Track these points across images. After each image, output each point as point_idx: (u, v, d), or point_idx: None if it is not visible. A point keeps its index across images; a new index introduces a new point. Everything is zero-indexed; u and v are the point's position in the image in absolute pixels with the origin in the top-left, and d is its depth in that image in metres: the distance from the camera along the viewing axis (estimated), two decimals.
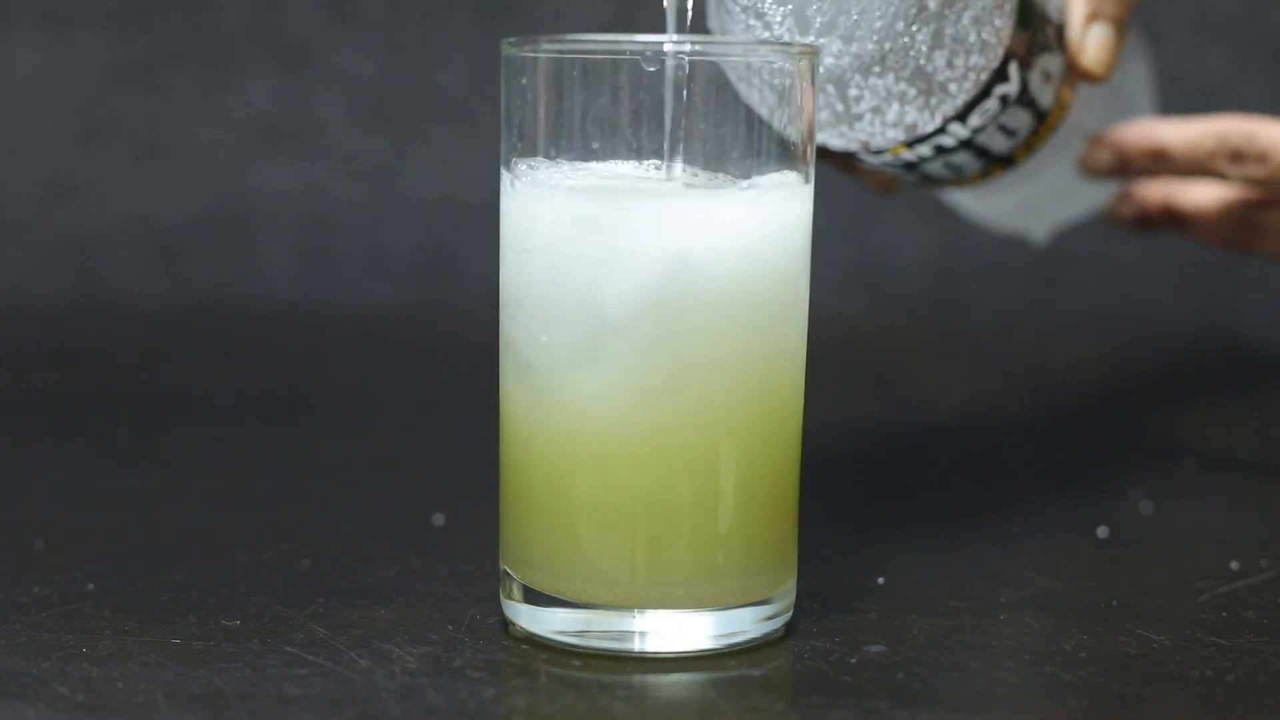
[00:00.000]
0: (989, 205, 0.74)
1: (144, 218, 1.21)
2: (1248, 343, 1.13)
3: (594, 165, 0.52)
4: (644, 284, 0.51)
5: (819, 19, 0.56)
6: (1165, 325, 1.14)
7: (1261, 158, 0.68)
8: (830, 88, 0.57)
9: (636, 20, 1.21)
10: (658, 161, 0.51)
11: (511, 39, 0.53)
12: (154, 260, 1.21)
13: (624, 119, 0.51)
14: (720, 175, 0.52)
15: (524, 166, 0.52)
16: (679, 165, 0.51)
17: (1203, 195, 0.75)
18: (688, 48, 0.51)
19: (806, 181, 0.53)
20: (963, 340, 1.12)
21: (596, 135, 0.52)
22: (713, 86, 0.51)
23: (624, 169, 0.52)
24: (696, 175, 0.52)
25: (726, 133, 0.52)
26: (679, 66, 0.50)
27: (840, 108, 0.58)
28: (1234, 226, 0.75)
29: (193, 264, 1.21)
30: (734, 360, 0.52)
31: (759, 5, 0.56)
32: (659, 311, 0.51)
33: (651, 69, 0.51)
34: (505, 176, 0.53)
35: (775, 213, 0.52)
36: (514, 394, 0.54)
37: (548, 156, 0.52)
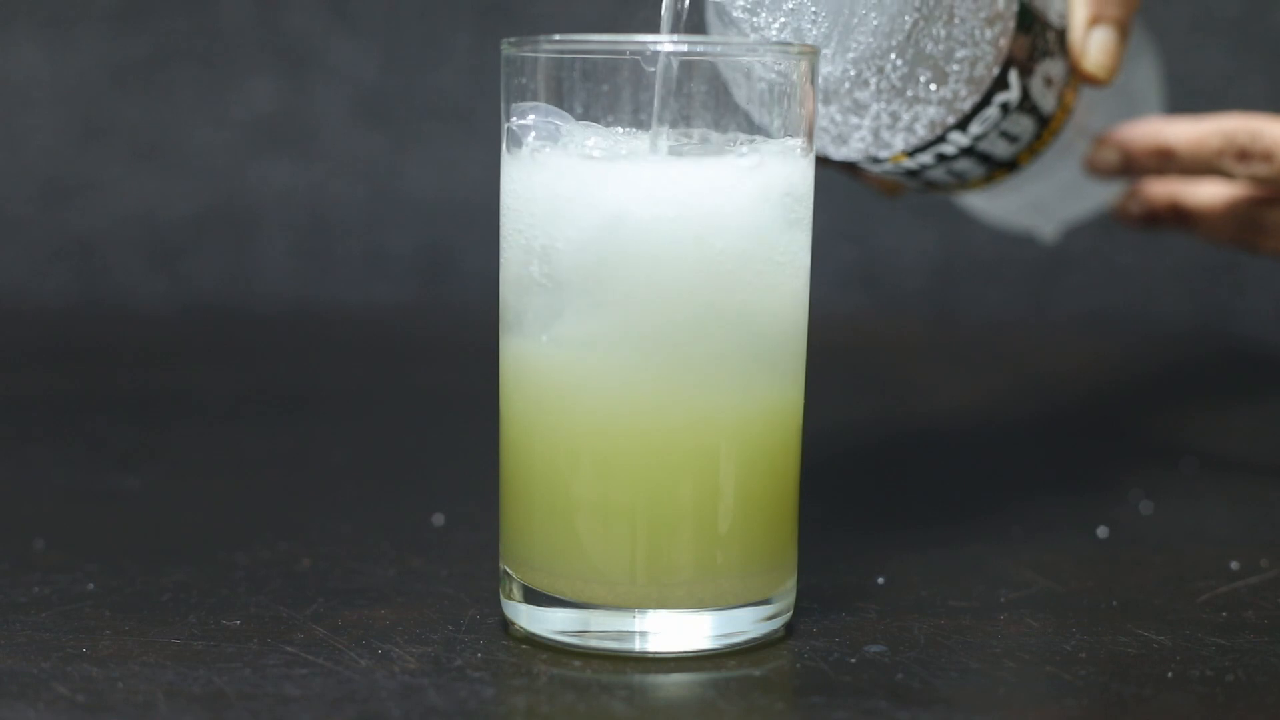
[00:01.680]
0: (996, 205, 0.75)
1: (144, 218, 1.21)
2: (1247, 343, 1.13)
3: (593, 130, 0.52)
4: (636, 260, 0.51)
5: (815, 30, 0.55)
6: (1165, 325, 1.14)
7: (1267, 156, 0.68)
8: (830, 99, 0.57)
9: (637, 20, 1.21)
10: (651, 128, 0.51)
11: (511, 39, 0.53)
12: (154, 260, 1.21)
13: (623, 119, 0.51)
14: (712, 138, 0.51)
15: (530, 117, 0.52)
16: (665, 130, 0.51)
17: (1209, 194, 0.75)
18: (686, 47, 0.51)
19: (805, 154, 0.53)
20: (962, 340, 1.12)
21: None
22: (711, 71, 0.51)
23: (617, 138, 0.52)
24: (690, 138, 0.51)
25: (724, 105, 0.51)
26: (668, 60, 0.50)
27: (839, 118, 0.58)
28: (1240, 224, 0.75)
29: (193, 264, 1.21)
30: (734, 356, 0.52)
31: (755, 19, 0.56)
32: (653, 288, 0.51)
33: (651, 69, 0.51)
34: (505, 130, 0.53)
35: (768, 182, 0.51)
36: (514, 393, 0.54)
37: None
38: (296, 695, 0.49)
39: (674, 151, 0.51)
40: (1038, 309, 1.17)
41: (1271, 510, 0.72)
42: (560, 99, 0.51)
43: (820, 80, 0.56)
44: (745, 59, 0.52)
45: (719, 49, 0.53)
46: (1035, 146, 0.63)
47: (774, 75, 0.51)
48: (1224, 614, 0.57)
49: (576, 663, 0.52)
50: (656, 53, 0.51)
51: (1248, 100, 1.18)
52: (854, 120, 0.58)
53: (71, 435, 0.82)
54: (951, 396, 0.96)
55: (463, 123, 1.21)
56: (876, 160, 0.60)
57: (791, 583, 0.55)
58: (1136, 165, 0.70)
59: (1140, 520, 0.69)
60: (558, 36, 0.51)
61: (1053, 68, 0.61)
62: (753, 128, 0.52)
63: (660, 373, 0.51)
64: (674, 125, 0.51)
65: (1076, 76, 0.63)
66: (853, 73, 0.56)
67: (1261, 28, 1.18)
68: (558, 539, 0.53)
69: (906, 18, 0.56)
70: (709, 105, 0.51)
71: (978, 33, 0.57)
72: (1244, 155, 0.68)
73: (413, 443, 0.83)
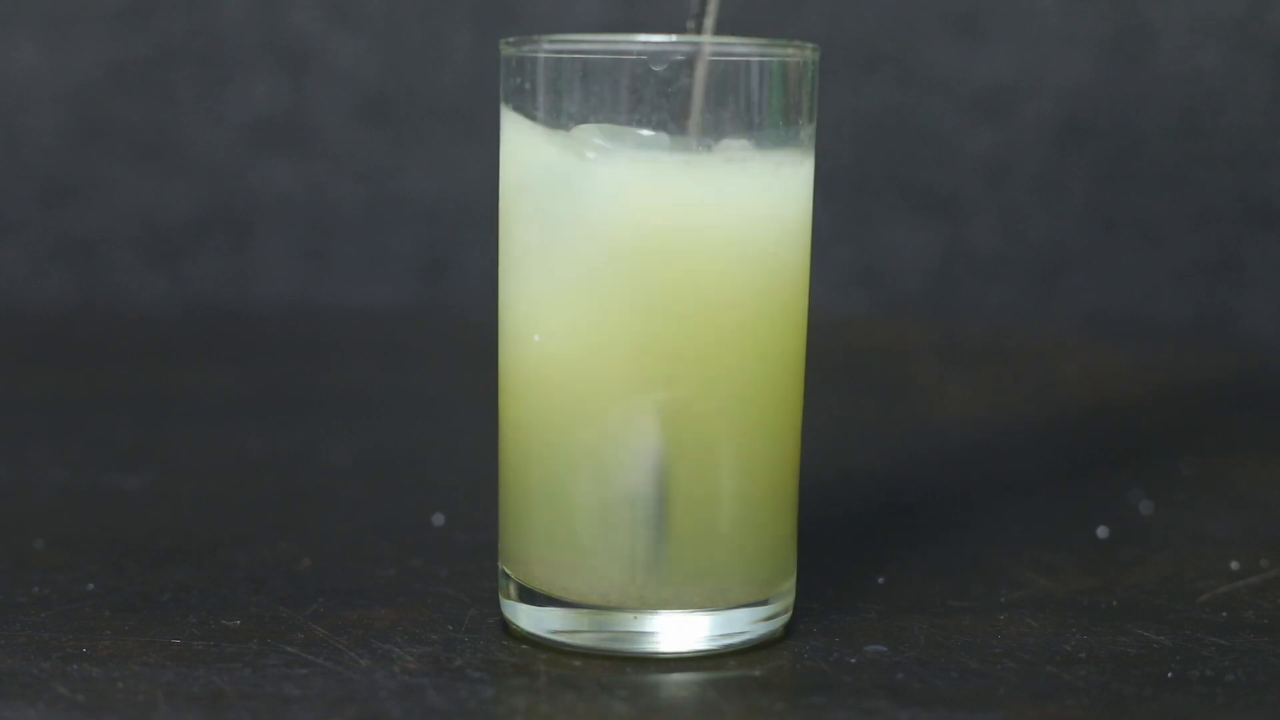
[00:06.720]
0: None
1: (144, 218, 1.21)
2: (1248, 343, 1.13)
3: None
4: (635, 260, 0.51)
5: None
6: (1165, 325, 1.14)
7: None
8: None
9: (637, 20, 1.21)
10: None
11: (511, 39, 0.53)
12: (154, 260, 1.21)
13: (622, 119, 0.51)
14: (711, 139, 0.51)
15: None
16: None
17: None
18: (686, 48, 0.51)
19: (804, 157, 0.53)
20: (962, 341, 1.12)
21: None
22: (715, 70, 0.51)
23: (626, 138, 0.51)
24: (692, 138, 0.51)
25: (726, 104, 0.51)
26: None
27: None
28: None
29: (193, 264, 1.21)
30: (733, 356, 0.52)
31: None
32: (651, 288, 0.51)
33: (659, 68, 0.50)
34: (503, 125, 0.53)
35: (769, 183, 0.51)
36: (513, 394, 0.54)
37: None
38: (296, 695, 0.49)
39: (680, 151, 0.51)
40: (1038, 309, 1.17)
41: (1271, 510, 0.72)
42: (560, 99, 0.51)
43: None
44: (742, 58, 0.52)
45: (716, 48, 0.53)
46: None
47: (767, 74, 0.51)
48: (1224, 614, 0.57)
49: (576, 663, 0.52)
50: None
51: (1248, 100, 1.18)
52: None
53: (71, 435, 0.82)
54: (951, 397, 0.96)
55: (463, 123, 1.21)
56: None
57: (791, 583, 0.55)
58: None
59: (1140, 520, 0.69)
60: (558, 36, 0.51)
61: None
62: (750, 117, 0.52)
63: (659, 372, 0.51)
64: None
65: None
66: None
67: (1261, 28, 1.18)
68: (557, 539, 0.53)
69: None
70: (708, 106, 0.51)
71: None
72: None
73: (413, 443, 0.83)
